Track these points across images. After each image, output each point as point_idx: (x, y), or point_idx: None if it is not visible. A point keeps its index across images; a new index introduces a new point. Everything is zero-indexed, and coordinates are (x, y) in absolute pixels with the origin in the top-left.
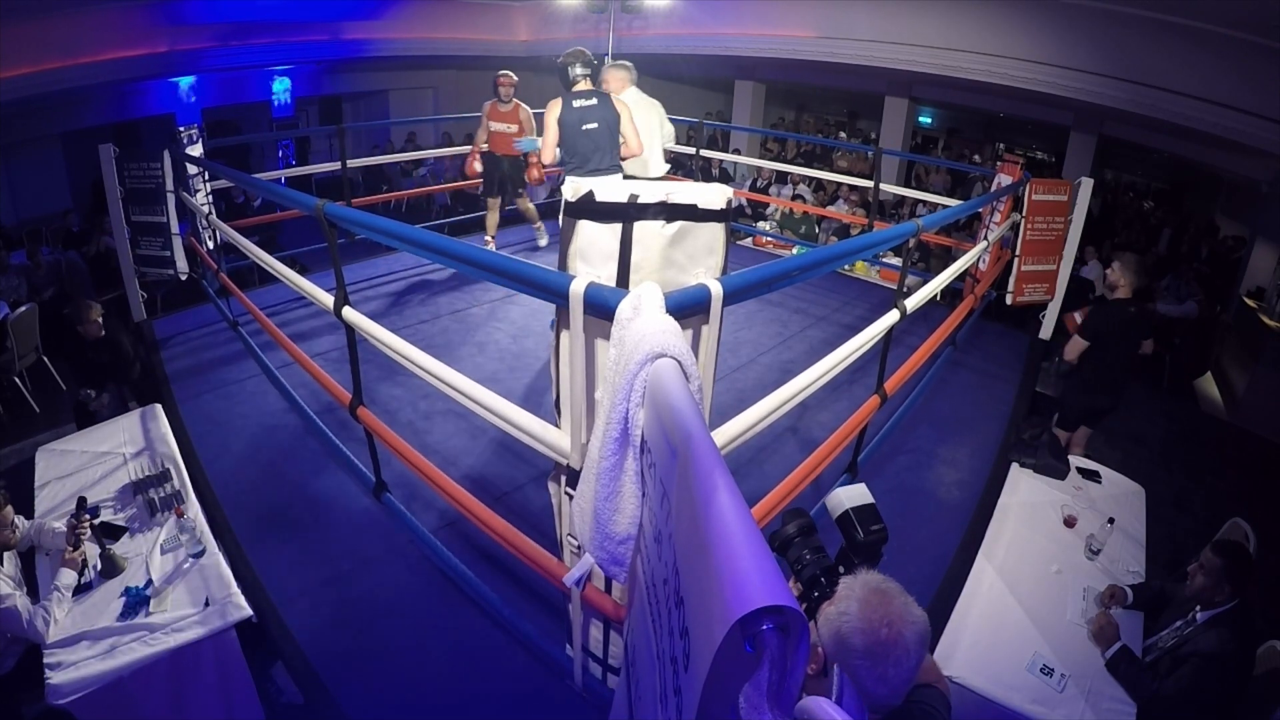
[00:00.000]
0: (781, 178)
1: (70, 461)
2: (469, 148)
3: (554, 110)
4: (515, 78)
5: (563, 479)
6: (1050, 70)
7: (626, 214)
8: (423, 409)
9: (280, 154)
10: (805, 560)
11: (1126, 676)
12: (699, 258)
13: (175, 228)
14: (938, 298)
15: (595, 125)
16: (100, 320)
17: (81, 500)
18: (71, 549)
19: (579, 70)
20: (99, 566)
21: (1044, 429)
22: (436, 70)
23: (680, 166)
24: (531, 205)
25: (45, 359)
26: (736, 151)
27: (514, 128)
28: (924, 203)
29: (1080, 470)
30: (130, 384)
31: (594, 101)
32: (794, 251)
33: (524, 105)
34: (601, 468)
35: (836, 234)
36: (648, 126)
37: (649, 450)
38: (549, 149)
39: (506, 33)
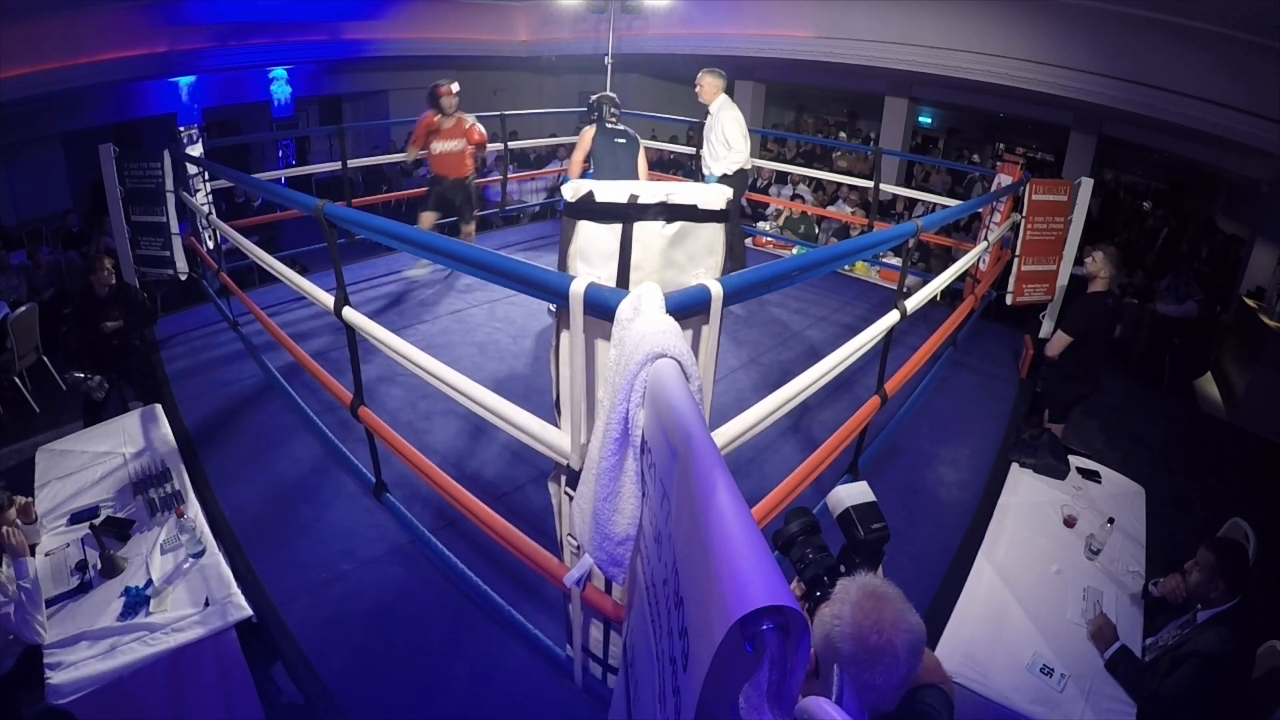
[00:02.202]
0: (781, 178)
1: (70, 461)
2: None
3: (589, 134)
4: (458, 87)
5: (563, 479)
6: (1050, 70)
7: (626, 214)
8: (423, 409)
9: (280, 154)
10: (808, 559)
11: (1126, 676)
12: (699, 258)
13: (175, 228)
14: (937, 298)
15: (622, 153)
16: (110, 269)
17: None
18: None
19: (613, 110)
20: (99, 566)
21: (1043, 429)
22: (436, 70)
23: (680, 167)
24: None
25: (45, 359)
26: None
27: (461, 144)
28: (924, 202)
29: (1080, 470)
30: (132, 376)
31: (624, 140)
32: (794, 251)
33: (466, 116)
34: (601, 468)
35: (836, 234)
36: (739, 124)
37: (649, 450)
38: (577, 165)
39: (506, 33)
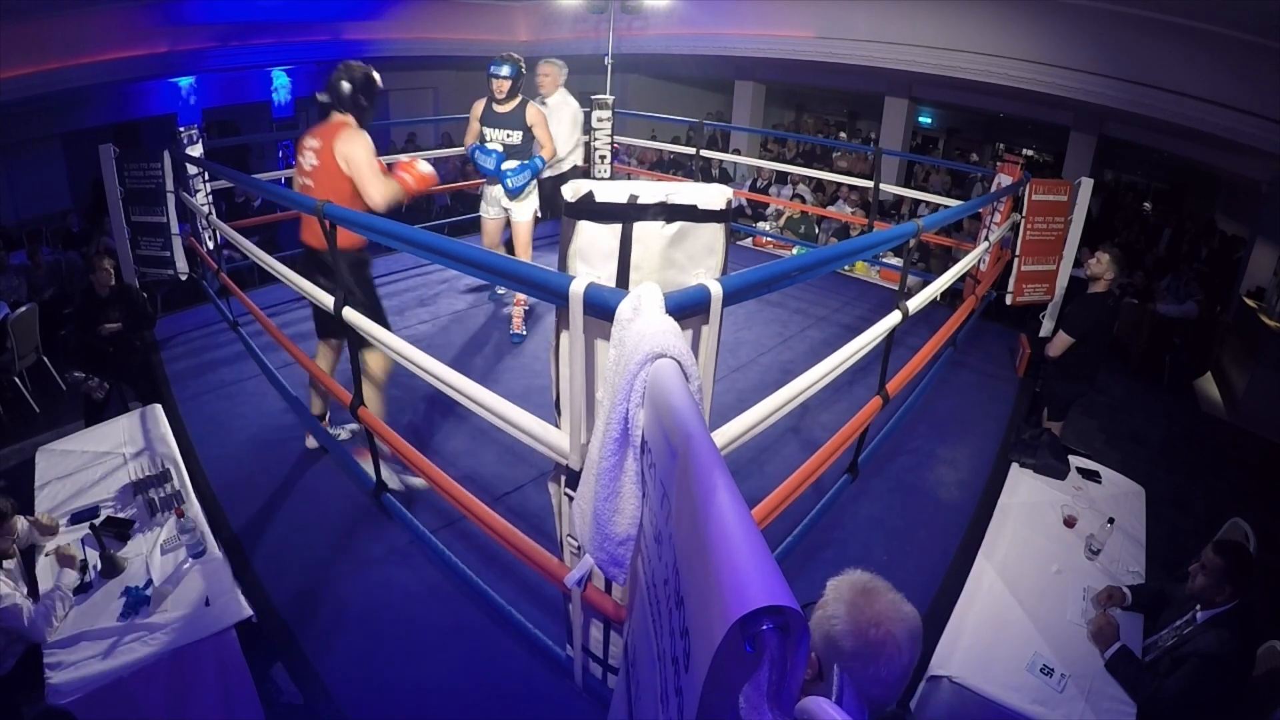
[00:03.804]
0: (781, 178)
1: (70, 461)
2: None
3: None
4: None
5: (563, 479)
6: (1050, 70)
7: (626, 214)
8: (423, 409)
9: (280, 154)
10: None
11: (1126, 676)
12: (699, 258)
13: (175, 228)
14: (937, 298)
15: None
16: (111, 269)
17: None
18: (67, 550)
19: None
20: (99, 566)
21: (1043, 429)
22: (436, 70)
23: (680, 167)
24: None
25: (45, 359)
26: (736, 152)
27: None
28: (924, 202)
29: (1080, 470)
30: (132, 377)
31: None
32: (794, 251)
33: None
34: (601, 468)
35: (836, 234)
36: (574, 122)
37: (649, 451)
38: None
39: (506, 33)
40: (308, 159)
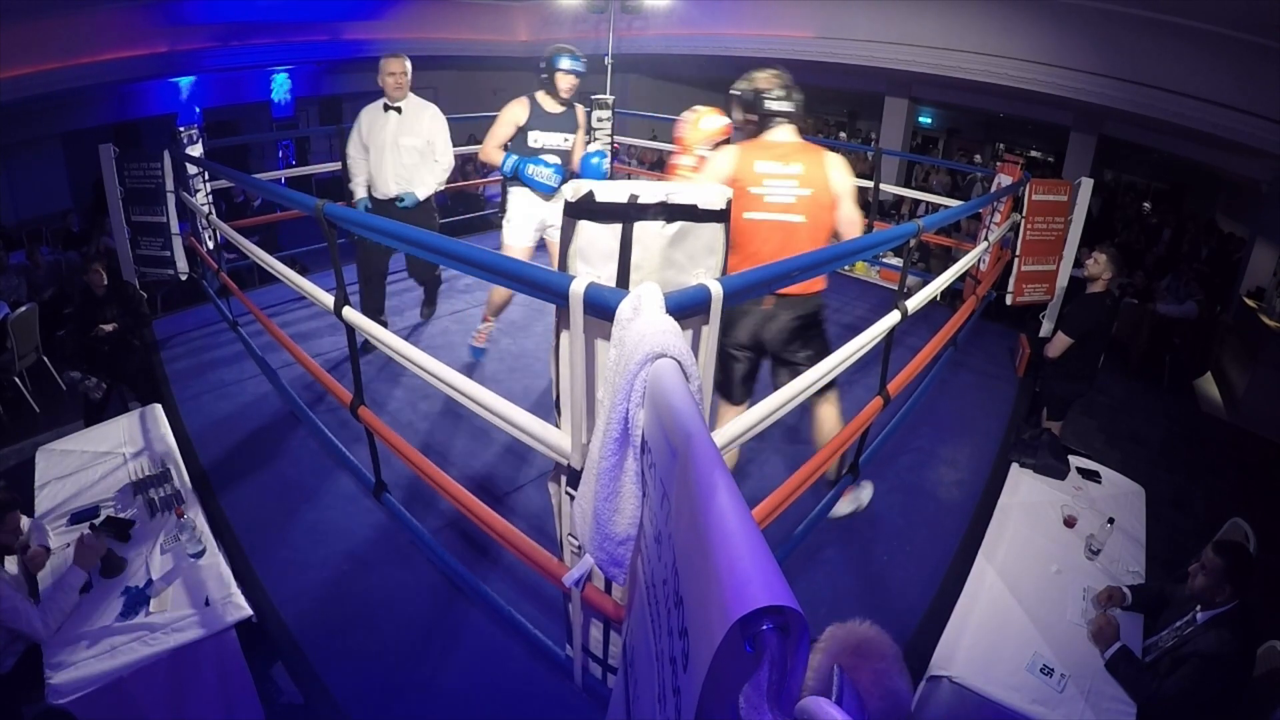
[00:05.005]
0: None
1: (70, 461)
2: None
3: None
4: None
5: (563, 479)
6: (1050, 70)
7: (627, 214)
8: (423, 409)
9: (280, 154)
10: None
11: (1126, 676)
12: (699, 258)
13: (175, 228)
14: (937, 298)
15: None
16: (102, 271)
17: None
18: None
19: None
20: (99, 566)
21: (1042, 428)
22: (436, 70)
23: None
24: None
25: (45, 359)
26: None
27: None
28: (924, 202)
29: (1080, 470)
30: (131, 377)
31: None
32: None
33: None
34: (601, 468)
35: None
36: (446, 126)
37: (649, 450)
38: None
39: (507, 33)
40: (782, 189)
